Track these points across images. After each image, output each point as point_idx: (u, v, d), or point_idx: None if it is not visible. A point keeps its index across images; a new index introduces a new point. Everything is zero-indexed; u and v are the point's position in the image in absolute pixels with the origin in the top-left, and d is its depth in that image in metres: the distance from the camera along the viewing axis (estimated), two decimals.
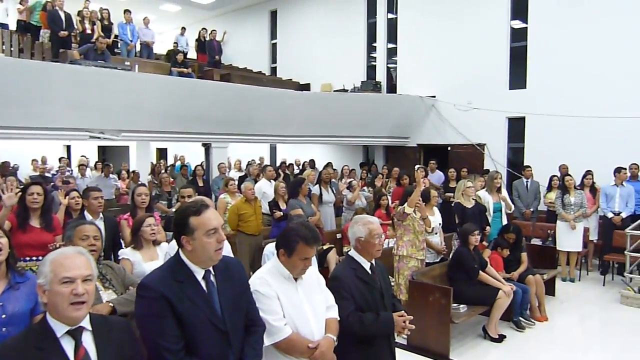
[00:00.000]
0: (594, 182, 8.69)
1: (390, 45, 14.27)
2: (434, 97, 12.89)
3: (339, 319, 2.73)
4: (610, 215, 7.96)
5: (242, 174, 11.89)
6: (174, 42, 14.71)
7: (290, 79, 15.67)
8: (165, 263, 2.40)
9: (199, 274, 2.24)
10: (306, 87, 15.18)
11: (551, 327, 6.11)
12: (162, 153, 18.79)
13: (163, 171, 10.49)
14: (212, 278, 2.28)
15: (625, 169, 8.22)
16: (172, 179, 8.44)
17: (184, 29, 15.54)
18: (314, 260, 4.75)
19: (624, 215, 7.86)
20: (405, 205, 5.41)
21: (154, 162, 13.85)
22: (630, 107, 9.71)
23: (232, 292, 2.30)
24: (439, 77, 12.87)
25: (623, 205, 7.94)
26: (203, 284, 2.24)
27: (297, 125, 11.63)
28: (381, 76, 14.33)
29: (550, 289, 7.03)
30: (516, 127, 11.72)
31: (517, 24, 11.78)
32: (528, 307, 6.14)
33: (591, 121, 10.13)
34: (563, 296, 7.20)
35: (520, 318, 5.94)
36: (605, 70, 10.18)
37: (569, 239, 7.80)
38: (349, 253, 3.10)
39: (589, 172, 8.63)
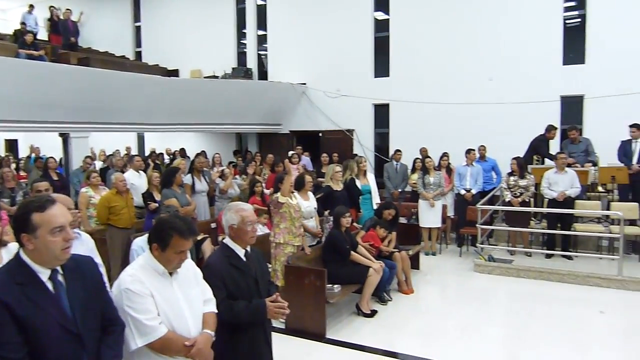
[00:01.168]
0: (450, 163, 9.53)
1: (261, 32, 14.24)
2: (305, 84, 13.14)
3: (216, 312, 2.69)
4: (462, 192, 8.78)
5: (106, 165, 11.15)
6: (21, 22, 13.24)
7: (157, 65, 14.95)
8: (4, 265, 2.18)
9: (44, 274, 2.09)
10: (174, 73, 14.60)
11: (417, 298, 6.61)
12: (12, 145, 16.96)
13: (9, 165, 9.44)
14: (60, 278, 2.14)
15: (474, 150, 9.09)
16: (24, 173, 7.65)
17: (31, 6, 14.02)
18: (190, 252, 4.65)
19: (474, 192, 8.72)
20: (279, 194, 5.48)
21: (1, 155, 12.45)
22: (479, 94, 10.77)
23: (83, 291, 2.19)
24: (309, 65, 13.14)
25: (473, 183, 8.80)
26: (49, 284, 2.11)
27: (166, 113, 11.18)
28: (252, 63, 14.26)
29: (415, 263, 7.60)
30: (381, 114, 12.39)
31: (381, 16, 12.39)
32: (393, 282, 6.58)
33: (447, 107, 11.06)
34: (426, 269, 7.82)
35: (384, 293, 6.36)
36: (458, 60, 11.16)
37: (429, 216, 8.49)
38: (224, 241, 3.07)
39: (445, 154, 9.42)
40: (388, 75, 12.12)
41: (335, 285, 5.64)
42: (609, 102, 9.63)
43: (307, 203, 6.10)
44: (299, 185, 6.11)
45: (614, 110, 9.47)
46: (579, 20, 10.35)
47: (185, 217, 2.72)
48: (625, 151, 8.32)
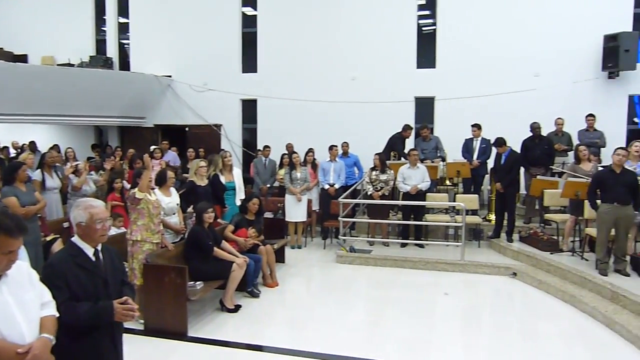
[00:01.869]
0: (315, 159, 9.82)
1: (123, 20, 13.44)
2: (170, 77, 12.69)
3: (57, 315, 2.52)
4: (326, 187, 9.12)
5: None
6: None
7: (2, 49, 13.42)
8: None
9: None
10: (22, 58, 13.23)
11: (282, 291, 6.74)
12: None
13: None
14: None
15: (337, 146, 9.47)
16: None
17: None
18: (25, 254, 4.27)
19: (337, 186, 9.09)
20: (136, 190, 5.24)
21: None
22: (343, 92, 11.27)
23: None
24: (175, 57, 12.71)
25: (336, 178, 9.17)
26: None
27: (12, 103, 10.12)
28: (113, 52, 13.41)
29: (280, 256, 7.74)
30: (250, 109, 12.39)
31: (249, 11, 12.37)
32: (260, 275, 6.65)
33: (312, 104, 11.39)
34: (292, 262, 8.00)
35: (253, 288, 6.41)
36: (324, 59, 11.55)
37: (296, 210, 8.70)
38: (72, 239, 2.88)
39: (310, 150, 9.70)
40: (256, 71, 12.15)
41: (198, 282, 5.55)
42: (455, 103, 10.63)
43: (169, 199, 5.91)
44: (161, 181, 5.89)
45: (460, 111, 10.48)
46: (433, 27, 11.26)
47: (14, 214, 2.51)
48: (467, 148, 9.26)
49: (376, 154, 8.68)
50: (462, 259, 7.55)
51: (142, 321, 5.27)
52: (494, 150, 8.39)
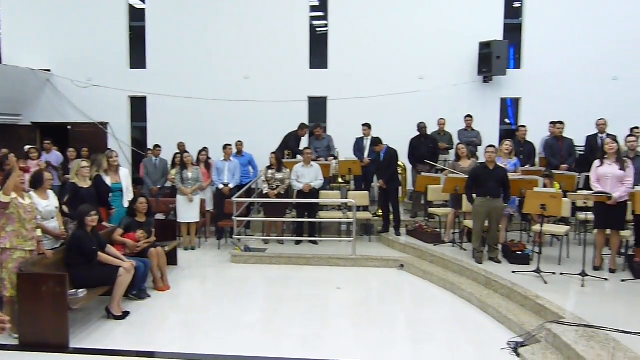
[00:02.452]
0: (210, 158, 9.67)
1: None
2: (49, 71, 11.79)
3: None
4: (221, 186, 9.00)
5: None
6: None
7: None
8: None
9: None
10: None
11: (174, 294, 6.55)
12: None
13: None
14: None
15: (231, 145, 9.38)
16: None
17: None
18: None
19: (231, 186, 9.01)
20: (1, 192, 4.80)
21: None
22: (237, 91, 11.20)
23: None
24: (55, 50, 11.84)
25: (231, 177, 9.09)
26: None
27: None
28: None
29: (172, 258, 7.52)
30: (139, 107, 11.87)
31: (137, 4, 11.83)
32: (147, 279, 6.41)
33: (206, 102, 11.18)
34: (185, 264, 7.80)
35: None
36: (216, 56, 11.37)
37: (188, 211, 8.49)
38: None
39: (204, 149, 9.50)
40: (145, 67, 11.66)
41: (80, 290, 5.22)
42: (347, 103, 10.97)
43: (46, 202, 5.50)
44: (37, 183, 5.47)
45: (351, 111, 10.84)
46: (325, 28, 11.52)
47: None
48: (358, 147, 9.60)
49: (272, 152, 8.72)
50: (354, 254, 7.82)
51: (16, 335, 4.87)
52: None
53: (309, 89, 11.35)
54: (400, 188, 9.06)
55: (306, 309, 6.02)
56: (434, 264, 7.37)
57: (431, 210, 8.69)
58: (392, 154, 8.45)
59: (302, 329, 5.43)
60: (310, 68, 11.41)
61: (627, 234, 6.76)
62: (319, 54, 11.45)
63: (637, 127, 8.47)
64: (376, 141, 8.44)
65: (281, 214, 8.68)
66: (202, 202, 8.83)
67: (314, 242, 8.57)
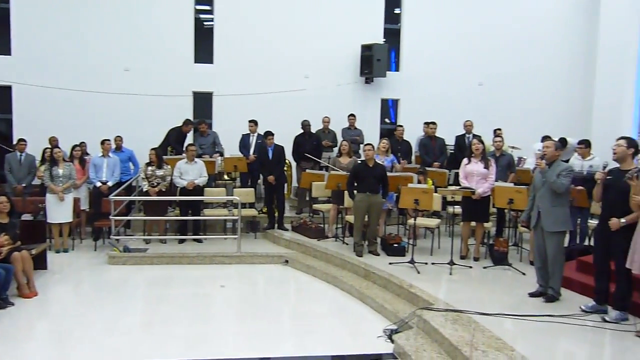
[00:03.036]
0: (88, 154, 9.07)
1: None
2: None
3: None
4: (98, 184, 8.48)
5: None
6: None
7: None
8: None
9: None
10: None
11: (43, 300, 6.06)
12: None
13: None
14: None
15: (110, 140, 8.88)
16: None
17: None
18: None
19: (110, 183, 8.53)
20: None
21: None
22: (116, 83, 10.61)
23: None
24: None
25: (110, 174, 8.60)
26: None
27: None
28: None
29: (41, 262, 6.96)
30: (3, 97, 10.78)
31: None
32: (11, 286, 5.88)
33: (82, 95, 10.45)
34: (57, 268, 7.25)
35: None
36: (92, 47, 10.67)
37: (59, 210, 7.89)
38: None
39: (79, 144, 8.89)
40: (10, 54, 10.60)
41: None
42: (233, 99, 10.87)
43: None
44: None
45: (238, 107, 10.74)
46: (211, 23, 11.28)
47: None
48: (244, 143, 9.55)
49: (152, 149, 8.39)
50: (239, 251, 7.79)
51: None
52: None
53: (194, 83, 11.06)
54: (285, 184, 9.18)
55: (189, 309, 5.90)
56: (317, 258, 7.57)
57: (315, 206, 8.91)
58: (280, 150, 8.55)
59: (185, 329, 5.31)
60: (196, 62, 11.13)
61: (490, 225, 7.46)
62: (204, 48, 11.20)
63: (499, 129, 9.34)
64: (268, 134, 8.52)
65: (163, 213, 8.39)
66: (76, 201, 8.26)
67: (198, 241, 8.39)
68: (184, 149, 9.03)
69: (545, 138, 8.54)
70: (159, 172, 8.23)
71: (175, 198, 8.48)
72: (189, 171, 8.24)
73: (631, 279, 4.75)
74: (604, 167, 5.03)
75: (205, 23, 11.47)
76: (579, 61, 12.02)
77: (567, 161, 7.32)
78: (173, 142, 9.51)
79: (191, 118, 10.38)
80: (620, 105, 10.11)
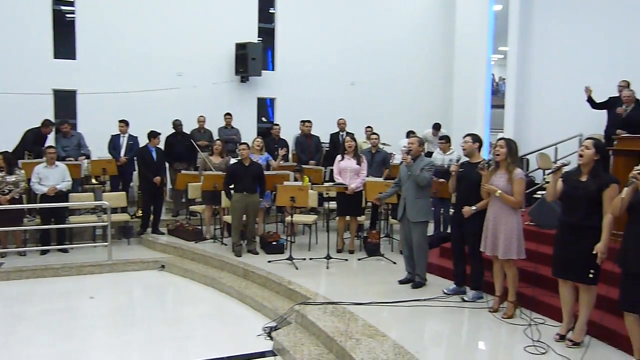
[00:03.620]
0: None
1: None
2: None
3: None
4: None
5: None
6: None
7: None
8: None
9: None
10: None
11: None
12: None
13: None
14: None
15: None
16: None
17: None
18: None
19: None
20: None
21: None
22: None
23: None
24: None
25: None
26: None
27: None
28: None
29: None
30: None
31: None
32: None
33: None
34: None
35: None
36: None
37: None
38: None
39: None
40: None
41: None
42: (100, 98, 10.19)
43: None
44: None
45: (105, 106, 10.11)
46: (73, 15, 10.45)
47: None
48: (114, 145, 8.99)
49: (0, 153, 7.57)
50: (110, 259, 7.34)
51: None
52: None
53: (54, 81, 10.19)
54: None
55: (53, 325, 5.44)
56: (195, 261, 7.38)
57: (192, 208, 8.68)
58: (162, 151, 8.31)
59: (46, 349, 4.89)
60: (55, 58, 10.26)
61: (363, 218, 7.81)
62: (65, 42, 10.37)
63: (370, 127, 9.78)
64: (153, 134, 8.27)
65: (18, 222, 7.62)
66: None
67: (64, 251, 7.76)
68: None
69: (410, 134, 9.20)
70: (10, 178, 7.43)
71: (32, 206, 7.76)
72: (50, 176, 7.57)
73: (482, 261, 5.26)
74: (458, 161, 5.52)
75: (67, 15, 10.61)
76: (439, 64, 13.04)
77: (430, 155, 7.93)
78: (30, 145, 8.66)
79: (52, 118, 9.56)
80: (475, 104, 11.10)
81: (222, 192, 7.48)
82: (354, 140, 7.33)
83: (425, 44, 12.87)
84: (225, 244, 7.68)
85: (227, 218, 7.74)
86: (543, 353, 4.10)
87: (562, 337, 4.30)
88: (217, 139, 8.97)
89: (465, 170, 5.24)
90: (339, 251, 7.28)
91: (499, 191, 4.70)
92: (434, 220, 7.76)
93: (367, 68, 12.21)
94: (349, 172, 7.07)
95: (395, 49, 12.45)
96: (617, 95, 7.57)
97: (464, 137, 5.41)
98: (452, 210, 7.64)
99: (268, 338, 5.03)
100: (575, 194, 4.02)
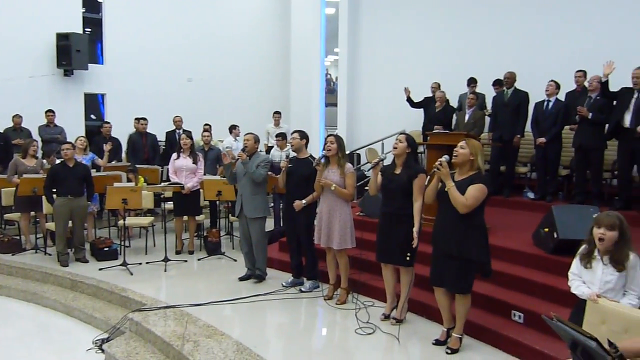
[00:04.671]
0: None
1: None
2: None
3: None
4: None
5: None
6: None
7: None
8: None
9: None
10: None
11: None
12: None
13: None
14: None
15: None
16: None
17: None
18: None
19: None
20: None
21: None
22: None
23: None
24: None
25: None
26: None
27: None
28: None
29: None
30: None
31: None
32: None
33: None
34: None
35: None
36: None
37: None
38: None
39: None
40: None
41: None
42: None
43: None
44: None
45: None
46: None
47: None
48: None
49: None
50: None
51: None
52: None
53: None
54: None
55: None
56: (12, 275, 6.56)
57: (7, 216, 7.73)
58: None
59: None
60: None
61: (202, 217, 7.67)
62: None
63: (208, 124, 9.62)
64: None
65: None
66: None
67: None
68: None
69: (233, 128, 9.28)
70: None
71: None
72: None
73: (316, 251, 5.52)
74: (287, 157, 5.71)
75: None
76: (277, 63, 13.32)
77: (269, 152, 8.08)
78: None
79: None
80: (310, 103, 11.57)
81: (43, 197, 6.77)
82: (190, 138, 7.15)
83: (262, 42, 13.03)
84: (50, 254, 6.96)
85: (51, 225, 7.03)
86: (370, 333, 4.45)
87: (387, 317, 4.70)
88: (32, 139, 8.02)
89: (294, 166, 5.44)
90: (177, 253, 7.07)
91: (334, 185, 4.95)
92: (274, 215, 7.94)
93: (204, 64, 11.98)
94: (184, 171, 6.87)
95: (232, 46, 12.40)
96: (432, 95, 8.48)
97: (292, 133, 5.63)
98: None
99: (99, 351, 4.70)
100: (391, 186, 4.42)
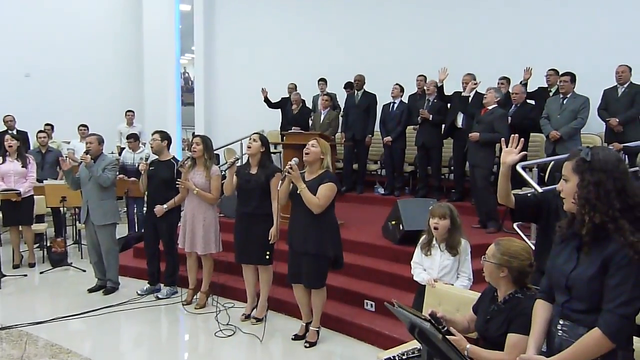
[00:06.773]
0: None
1: None
2: None
3: None
4: None
5: None
6: None
7: None
8: None
9: None
10: None
11: None
12: None
13: None
14: None
15: None
16: None
17: None
18: None
19: None
20: None
21: None
22: None
23: None
24: None
25: None
26: None
27: None
28: None
29: None
30: None
31: None
32: None
33: None
34: None
35: None
36: None
37: None
38: None
39: None
40: None
41: None
42: None
43: None
44: None
45: None
46: None
47: None
48: None
49: None
50: None
51: None
52: None
53: None
54: None
55: None
56: None
57: None
58: None
59: None
60: None
61: (45, 226, 6.95)
62: None
63: (49, 124, 8.73)
64: None
65: None
66: None
67: None
68: None
69: (82, 128, 8.65)
70: None
71: None
72: None
73: (177, 257, 5.35)
74: (146, 159, 5.44)
75: None
76: (130, 60, 12.54)
77: (121, 153, 7.61)
78: None
79: None
80: (165, 102, 11.12)
81: None
82: (17, 139, 6.41)
83: (111, 39, 12.15)
84: None
85: None
86: (230, 336, 4.43)
87: (247, 317, 4.71)
88: None
89: (155, 169, 5.21)
90: (15, 267, 6.34)
91: (196, 189, 4.82)
92: (129, 220, 7.51)
93: (47, 60, 10.83)
94: (13, 175, 6.17)
95: (82, 43, 11.36)
96: (288, 96, 8.66)
97: (152, 134, 5.37)
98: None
99: None
100: (248, 186, 4.43)
